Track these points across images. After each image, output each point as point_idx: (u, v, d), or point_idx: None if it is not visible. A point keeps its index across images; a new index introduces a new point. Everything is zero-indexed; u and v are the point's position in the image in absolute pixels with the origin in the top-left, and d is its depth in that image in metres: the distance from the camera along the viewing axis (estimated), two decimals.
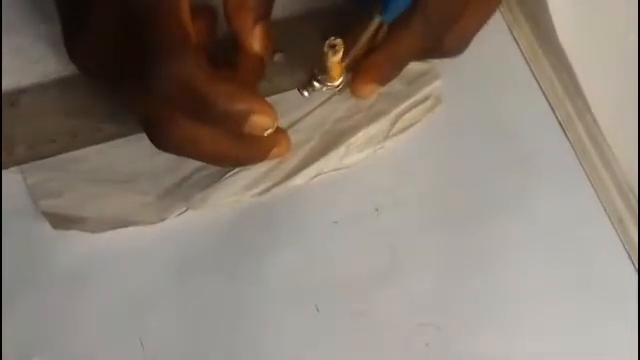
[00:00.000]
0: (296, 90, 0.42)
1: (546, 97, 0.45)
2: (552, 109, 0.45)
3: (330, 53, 0.38)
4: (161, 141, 0.38)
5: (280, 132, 0.41)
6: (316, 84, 0.41)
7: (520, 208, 0.43)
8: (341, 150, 0.43)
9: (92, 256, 0.42)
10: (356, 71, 0.41)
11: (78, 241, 0.41)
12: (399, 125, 0.44)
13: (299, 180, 0.43)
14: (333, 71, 0.40)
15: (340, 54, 0.38)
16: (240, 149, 0.39)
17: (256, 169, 0.43)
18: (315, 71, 0.40)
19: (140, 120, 0.39)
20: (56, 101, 0.43)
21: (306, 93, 0.41)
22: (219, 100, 0.36)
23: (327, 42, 0.38)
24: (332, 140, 0.43)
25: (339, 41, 0.38)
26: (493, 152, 0.44)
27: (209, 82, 0.36)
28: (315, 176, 0.43)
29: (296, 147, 0.43)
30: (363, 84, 0.42)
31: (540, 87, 0.45)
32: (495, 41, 0.45)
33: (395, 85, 0.43)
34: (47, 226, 0.41)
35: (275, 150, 0.41)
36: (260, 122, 0.38)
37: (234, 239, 0.42)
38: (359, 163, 0.43)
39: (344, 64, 0.40)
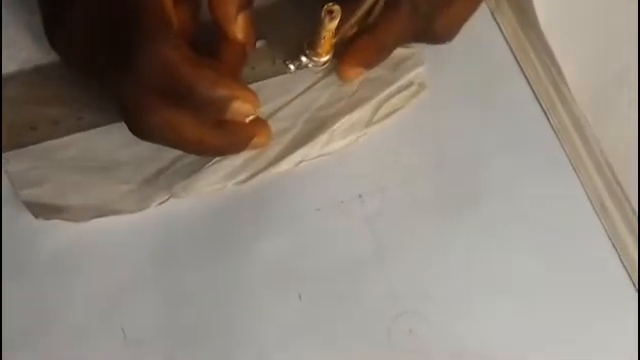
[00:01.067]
0: (278, 77, 0.42)
1: (529, 83, 0.45)
2: (535, 95, 0.45)
3: (327, 19, 0.37)
4: (140, 129, 0.38)
5: (260, 122, 0.41)
6: (303, 58, 0.41)
7: (504, 195, 0.43)
8: (324, 137, 0.43)
9: (75, 245, 0.41)
10: (343, 54, 0.41)
11: (60, 230, 0.41)
12: (382, 111, 0.44)
13: (282, 167, 0.42)
14: (323, 45, 0.39)
15: (336, 22, 0.38)
16: (221, 137, 0.39)
17: (238, 157, 0.42)
18: (304, 45, 0.40)
19: (120, 108, 0.38)
20: (37, 89, 0.42)
21: (292, 67, 0.41)
22: (201, 85, 0.36)
23: (325, 7, 0.37)
24: (315, 127, 0.43)
25: (337, 7, 0.37)
26: (477, 139, 0.44)
27: (191, 67, 0.36)
28: (298, 163, 0.43)
29: (279, 134, 0.43)
30: (349, 67, 0.42)
31: (523, 73, 0.45)
32: (478, 27, 0.45)
33: (378, 71, 0.43)
34: (29, 215, 0.41)
35: (256, 140, 0.41)
36: (242, 108, 0.38)
37: (218, 227, 0.42)
38: (342, 150, 0.43)
39: (335, 40, 0.39)
